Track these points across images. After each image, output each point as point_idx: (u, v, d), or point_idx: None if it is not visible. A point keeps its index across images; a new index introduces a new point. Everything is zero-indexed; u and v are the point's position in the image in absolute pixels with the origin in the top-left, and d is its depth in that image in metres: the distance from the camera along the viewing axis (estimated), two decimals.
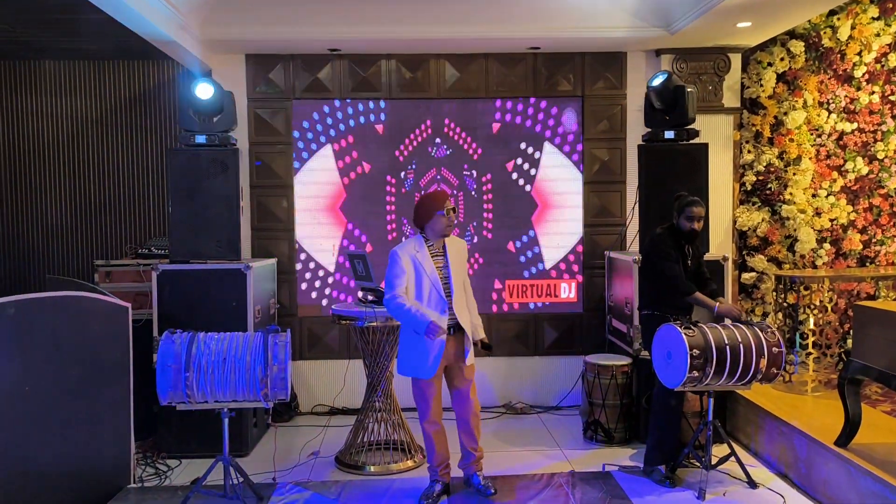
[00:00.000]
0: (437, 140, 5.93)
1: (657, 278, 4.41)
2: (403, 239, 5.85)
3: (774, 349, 4.04)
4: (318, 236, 5.95)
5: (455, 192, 5.96)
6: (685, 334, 3.95)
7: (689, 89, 5.02)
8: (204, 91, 4.77)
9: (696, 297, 4.28)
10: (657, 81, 5.04)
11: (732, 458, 4.29)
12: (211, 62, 5.69)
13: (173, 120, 6.28)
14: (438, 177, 5.94)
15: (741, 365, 3.99)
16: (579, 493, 4.14)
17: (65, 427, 3.80)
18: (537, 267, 6.04)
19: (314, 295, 5.95)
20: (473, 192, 5.98)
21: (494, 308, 6.02)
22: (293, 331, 4.90)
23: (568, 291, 6.06)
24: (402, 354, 4.02)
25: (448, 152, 5.94)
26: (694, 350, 3.91)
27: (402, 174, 5.93)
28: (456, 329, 3.97)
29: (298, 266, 5.93)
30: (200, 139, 4.94)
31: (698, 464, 4.40)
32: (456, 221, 4.07)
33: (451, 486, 4.15)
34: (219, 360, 3.70)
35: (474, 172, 5.97)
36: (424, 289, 3.91)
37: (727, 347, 3.97)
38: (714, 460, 4.29)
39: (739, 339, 4.02)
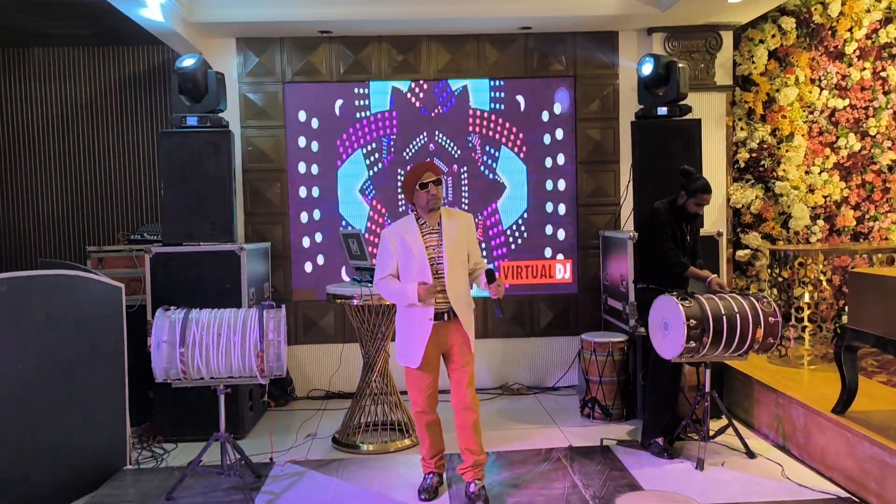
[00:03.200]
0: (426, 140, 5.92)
1: (653, 253, 4.42)
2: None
3: (770, 319, 4.05)
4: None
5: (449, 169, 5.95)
6: (682, 305, 3.95)
7: (679, 65, 5.02)
8: (187, 60, 4.76)
9: (690, 272, 4.31)
10: (647, 69, 5.06)
11: (730, 431, 4.30)
12: (201, 46, 5.66)
13: (165, 105, 6.24)
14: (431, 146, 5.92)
15: (738, 335, 3.99)
16: (578, 467, 4.14)
17: (60, 407, 3.77)
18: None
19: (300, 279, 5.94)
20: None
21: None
22: (287, 316, 4.87)
23: (563, 272, 6.05)
24: (397, 341, 3.77)
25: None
26: (691, 321, 3.91)
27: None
28: (449, 315, 3.62)
29: (307, 243, 5.91)
30: (192, 121, 4.91)
31: (696, 436, 4.40)
32: (439, 194, 3.62)
33: (451, 480, 3.90)
34: (213, 335, 3.67)
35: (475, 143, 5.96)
36: (412, 271, 3.60)
37: (724, 317, 3.98)
38: (711, 433, 4.30)
39: (736, 309, 4.02)
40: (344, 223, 5.94)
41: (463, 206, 5.98)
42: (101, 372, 4.07)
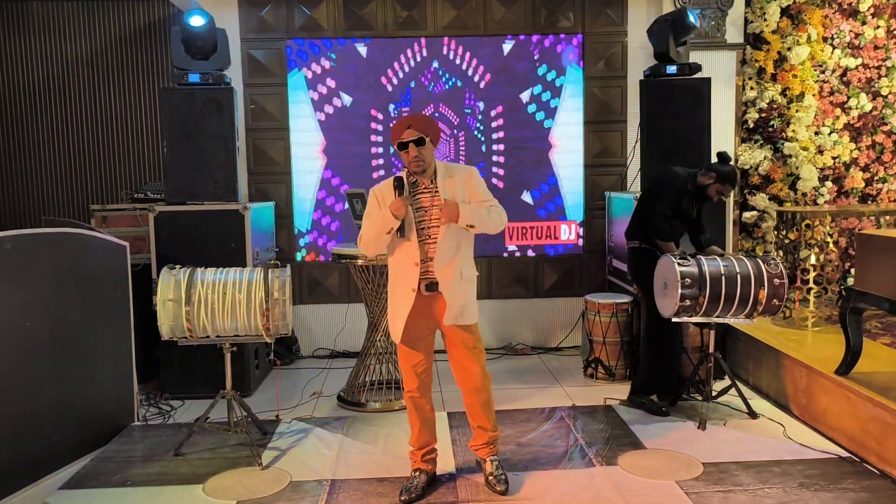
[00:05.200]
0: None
1: (647, 215, 4.37)
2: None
3: (776, 280, 4.03)
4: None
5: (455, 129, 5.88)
6: (678, 264, 3.96)
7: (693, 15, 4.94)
8: (196, 20, 4.67)
9: (667, 247, 4.26)
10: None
11: (733, 391, 4.33)
12: (203, 1, 5.55)
13: (166, 60, 6.16)
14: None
15: (738, 295, 3.99)
16: (581, 425, 4.17)
17: (67, 364, 3.80)
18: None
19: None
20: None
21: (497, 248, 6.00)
22: (292, 275, 4.87)
23: (568, 233, 6.03)
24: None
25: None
26: (686, 279, 3.92)
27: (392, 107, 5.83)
28: (432, 287, 3.21)
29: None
30: (194, 78, 4.85)
31: (699, 396, 4.43)
32: (422, 155, 3.16)
33: (459, 466, 3.64)
34: (219, 294, 3.67)
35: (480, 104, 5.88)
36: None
37: (723, 278, 3.97)
38: (714, 393, 4.34)
39: (738, 270, 4.01)
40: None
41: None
42: (108, 330, 4.09)
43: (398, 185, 3.19)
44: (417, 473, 3.42)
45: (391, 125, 3.30)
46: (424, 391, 3.37)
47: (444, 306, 3.22)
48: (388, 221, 3.15)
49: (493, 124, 5.89)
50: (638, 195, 4.95)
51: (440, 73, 5.82)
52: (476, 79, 5.84)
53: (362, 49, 5.77)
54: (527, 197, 5.96)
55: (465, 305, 3.25)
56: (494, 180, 5.92)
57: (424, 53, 5.80)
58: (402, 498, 3.29)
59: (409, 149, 3.15)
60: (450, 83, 5.83)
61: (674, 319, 4.08)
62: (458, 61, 5.82)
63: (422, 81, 5.82)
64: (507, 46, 5.83)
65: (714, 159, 4.42)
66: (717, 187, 4.24)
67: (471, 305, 3.29)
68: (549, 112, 5.90)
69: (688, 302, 3.95)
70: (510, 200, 5.78)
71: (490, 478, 3.38)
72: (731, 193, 4.28)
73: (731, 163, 4.28)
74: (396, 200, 3.15)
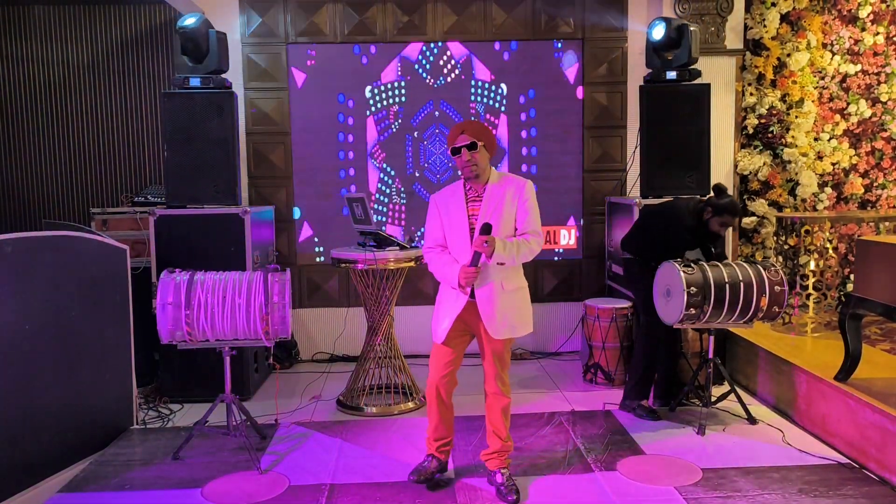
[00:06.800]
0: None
1: (642, 239, 4.41)
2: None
3: (777, 287, 4.03)
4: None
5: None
6: (683, 272, 3.95)
7: (691, 28, 4.94)
8: (189, 20, 4.69)
9: None
10: (658, 33, 4.97)
11: (732, 397, 4.33)
12: (204, 5, 5.56)
13: (167, 65, 6.17)
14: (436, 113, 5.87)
15: (740, 302, 3.99)
16: (580, 430, 4.17)
17: (66, 367, 3.80)
18: None
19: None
20: None
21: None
22: (292, 279, 4.87)
23: (567, 238, 6.03)
24: (434, 314, 3.45)
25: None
26: (691, 288, 3.92)
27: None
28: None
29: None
30: (194, 81, 4.86)
31: (698, 402, 4.43)
32: (475, 160, 3.20)
33: (458, 470, 3.67)
34: (219, 297, 3.67)
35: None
36: (452, 241, 3.30)
37: (727, 285, 3.97)
38: (713, 399, 4.33)
39: (740, 277, 4.01)
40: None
41: None
42: (107, 333, 4.09)
43: (474, 260, 3.16)
44: (430, 459, 3.50)
45: (448, 131, 3.37)
46: (447, 386, 3.41)
47: (480, 314, 3.26)
48: (452, 281, 3.24)
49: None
50: (638, 201, 4.97)
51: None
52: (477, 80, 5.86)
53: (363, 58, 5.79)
54: None
55: (513, 318, 3.27)
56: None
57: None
58: (411, 478, 3.42)
59: (461, 153, 3.19)
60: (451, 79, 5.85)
61: (676, 326, 4.08)
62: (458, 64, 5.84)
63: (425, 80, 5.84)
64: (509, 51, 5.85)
65: (714, 164, 4.42)
66: (717, 220, 4.12)
67: (518, 319, 3.30)
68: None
69: (692, 311, 3.95)
70: None
71: (502, 488, 3.37)
72: (734, 222, 4.13)
73: (728, 193, 4.16)
74: (468, 271, 3.17)
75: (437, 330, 3.37)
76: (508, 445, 3.46)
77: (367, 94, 5.82)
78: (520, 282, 3.35)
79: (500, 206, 3.22)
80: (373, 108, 5.84)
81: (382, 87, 5.83)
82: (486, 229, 3.13)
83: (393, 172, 5.89)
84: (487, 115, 5.90)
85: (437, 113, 5.87)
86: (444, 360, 3.37)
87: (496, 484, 3.41)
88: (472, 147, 3.18)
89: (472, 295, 3.27)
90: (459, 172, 3.32)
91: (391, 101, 5.85)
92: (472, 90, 5.87)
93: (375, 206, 5.88)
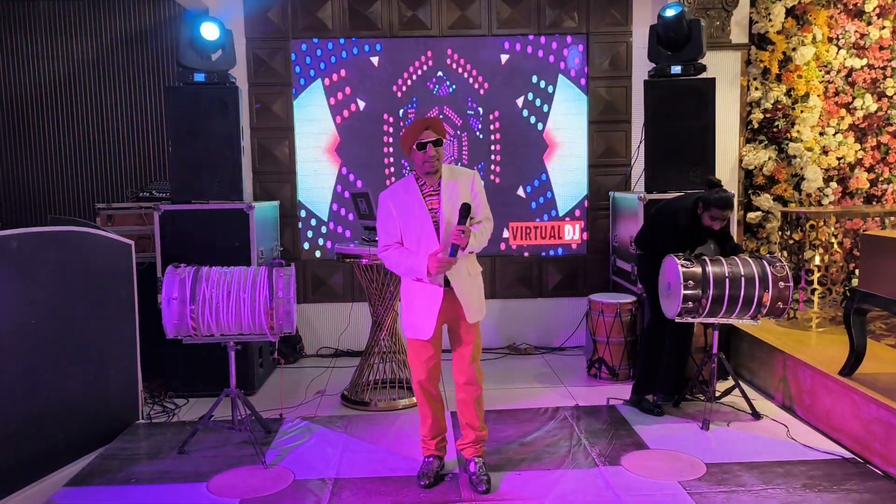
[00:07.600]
0: (440, 74, 5.84)
1: (654, 239, 4.42)
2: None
3: (781, 283, 4.03)
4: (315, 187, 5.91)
5: (458, 132, 5.89)
6: (682, 265, 3.96)
7: (702, 23, 4.93)
8: (210, 32, 4.70)
9: None
10: (671, 13, 4.92)
11: (736, 392, 4.32)
12: (208, 1, 5.57)
13: (171, 59, 6.17)
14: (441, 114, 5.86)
15: (741, 297, 3.98)
16: (584, 426, 4.17)
17: (72, 362, 3.81)
18: (550, 214, 6.00)
19: (307, 246, 5.93)
20: (479, 133, 5.91)
21: (503, 246, 6.00)
22: (297, 274, 4.88)
23: (572, 233, 6.03)
24: (403, 312, 3.43)
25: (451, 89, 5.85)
26: (689, 281, 3.93)
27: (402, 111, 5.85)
28: (446, 283, 3.30)
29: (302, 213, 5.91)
30: (199, 77, 4.87)
31: (702, 397, 4.43)
32: (439, 156, 3.21)
33: (455, 462, 3.66)
34: (223, 292, 3.68)
35: (480, 110, 5.89)
36: (414, 238, 3.27)
37: (726, 280, 3.97)
38: (718, 394, 4.33)
39: (743, 273, 4.01)
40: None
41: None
42: (113, 328, 4.11)
43: (453, 251, 3.16)
44: (432, 459, 3.52)
45: (407, 124, 3.34)
46: (434, 379, 3.43)
47: (456, 302, 3.30)
48: (419, 274, 3.22)
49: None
50: (643, 195, 4.97)
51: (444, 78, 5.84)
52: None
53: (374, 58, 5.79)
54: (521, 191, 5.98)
55: (473, 299, 3.34)
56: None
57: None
58: (423, 483, 3.43)
59: (427, 149, 3.18)
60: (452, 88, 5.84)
61: (676, 320, 4.08)
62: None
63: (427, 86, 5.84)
64: (509, 52, 5.84)
65: (719, 159, 4.41)
66: (707, 215, 4.09)
67: (482, 301, 3.43)
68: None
69: (690, 304, 3.96)
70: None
71: (473, 477, 3.42)
72: (726, 216, 4.06)
73: (721, 185, 4.13)
74: (445, 261, 3.18)
75: (417, 326, 3.33)
76: (483, 434, 3.49)
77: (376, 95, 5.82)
78: (478, 267, 3.45)
79: (458, 197, 3.25)
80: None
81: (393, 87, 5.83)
82: (466, 209, 3.16)
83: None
84: (485, 113, 5.89)
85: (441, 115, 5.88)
86: (425, 356, 3.37)
87: (469, 472, 3.46)
88: (437, 143, 3.21)
89: (447, 284, 3.29)
90: (412, 167, 3.36)
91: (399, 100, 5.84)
92: (472, 91, 5.86)
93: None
